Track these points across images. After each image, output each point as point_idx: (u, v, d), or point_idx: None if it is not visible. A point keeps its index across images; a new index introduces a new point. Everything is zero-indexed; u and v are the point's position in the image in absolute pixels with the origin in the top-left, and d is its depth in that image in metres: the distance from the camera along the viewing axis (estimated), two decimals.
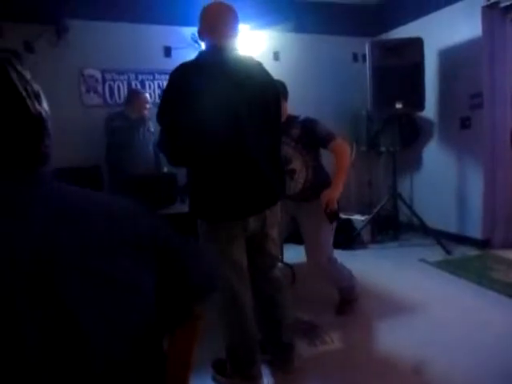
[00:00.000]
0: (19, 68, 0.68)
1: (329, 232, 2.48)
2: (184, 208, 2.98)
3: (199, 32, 1.74)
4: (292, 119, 2.38)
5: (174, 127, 1.62)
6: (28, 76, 0.69)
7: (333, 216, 2.36)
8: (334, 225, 2.48)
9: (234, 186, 1.68)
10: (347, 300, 2.68)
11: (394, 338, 2.32)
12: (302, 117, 2.41)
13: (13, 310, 0.56)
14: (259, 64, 1.79)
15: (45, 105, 0.71)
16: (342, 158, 2.35)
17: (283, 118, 2.09)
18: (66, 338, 0.59)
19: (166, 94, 1.67)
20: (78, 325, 0.60)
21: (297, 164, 2.39)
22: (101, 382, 0.63)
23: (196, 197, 1.76)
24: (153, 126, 3.53)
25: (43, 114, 0.69)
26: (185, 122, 1.60)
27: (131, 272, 0.69)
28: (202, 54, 1.73)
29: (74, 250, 0.63)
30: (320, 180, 2.43)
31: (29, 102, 0.66)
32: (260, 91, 1.71)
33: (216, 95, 1.58)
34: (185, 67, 1.64)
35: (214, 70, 1.63)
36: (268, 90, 1.76)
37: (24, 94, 0.66)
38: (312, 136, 2.36)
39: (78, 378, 0.60)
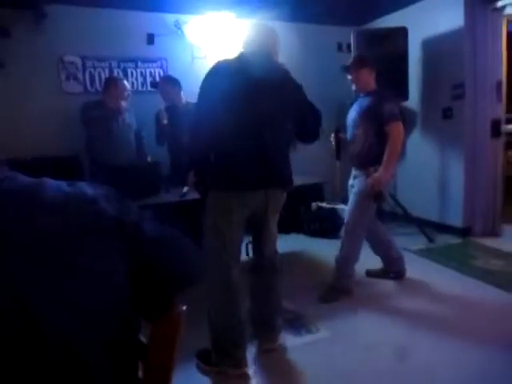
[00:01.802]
0: None
1: (364, 204, 2.67)
2: (169, 197, 2.96)
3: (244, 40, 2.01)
4: (371, 93, 2.67)
5: (210, 116, 1.84)
6: None
7: (377, 197, 2.61)
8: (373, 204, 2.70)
9: (238, 160, 1.86)
10: (337, 288, 2.69)
11: (379, 326, 2.37)
12: (379, 91, 2.67)
13: None
14: (287, 72, 2.03)
15: None
16: (394, 142, 2.56)
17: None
18: (15, 323, 0.58)
19: (207, 88, 1.87)
20: (29, 309, 0.58)
21: (359, 131, 2.67)
22: (63, 374, 0.61)
23: (210, 172, 1.94)
24: (129, 117, 3.46)
25: None
26: (221, 112, 1.82)
27: (94, 258, 0.67)
28: (241, 57, 1.95)
29: (24, 235, 0.61)
30: (370, 154, 2.64)
31: None
32: (284, 95, 1.94)
33: (246, 92, 1.83)
34: (224, 65, 1.88)
35: (249, 71, 1.86)
36: (290, 94, 1.99)
37: None
38: (377, 110, 2.58)
39: (33, 367, 0.59)
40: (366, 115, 2.63)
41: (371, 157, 2.64)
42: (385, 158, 2.57)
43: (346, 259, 2.70)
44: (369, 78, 2.71)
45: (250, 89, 1.83)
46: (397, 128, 2.57)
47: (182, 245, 0.88)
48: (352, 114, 2.77)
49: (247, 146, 1.86)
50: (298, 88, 2.03)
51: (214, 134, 1.85)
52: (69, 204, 0.68)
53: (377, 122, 2.59)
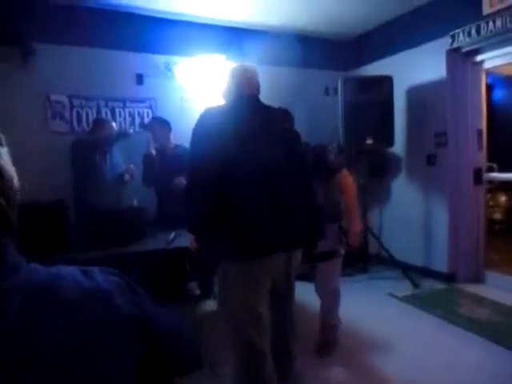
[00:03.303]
0: None
1: (340, 262, 2.63)
2: (156, 244, 2.88)
3: (226, 87, 1.85)
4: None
5: (210, 168, 1.60)
6: None
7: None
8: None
9: (264, 221, 1.62)
10: (329, 341, 2.66)
11: (369, 379, 2.34)
12: (313, 144, 2.56)
13: None
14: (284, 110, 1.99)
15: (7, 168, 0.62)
16: (348, 192, 2.53)
17: None
18: None
19: (201, 136, 1.65)
20: None
21: None
22: None
23: (221, 235, 1.66)
24: (116, 158, 3.43)
25: (11, 194, 0.62)
26: (222, 162, 1.59)
27: (106, 361, 0.63)
28: (232, 102, 1.78)
29: (54, 353, 0.57)
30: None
31: None
32: (285, 136, 1.81)
33: (248, 137, 1.64)
34: (217, 112, 1.70)
35: (245, 114, 1.71)
36: (290, 135, 1.87)
37: None
38: (323, 164, 2.47)
39: None
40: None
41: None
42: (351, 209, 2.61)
43: (334, 318, 2.67)
44: None
45: (257, 135, 1.67)
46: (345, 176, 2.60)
47: (186, 331, 0.87)
48: None
49: (266, 201, 1.62)
50: (298, 138, 1.90)
51: (222, 189, 1.58)
52: (85, 304, 0.65)
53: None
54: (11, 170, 0.63)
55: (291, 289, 1.85)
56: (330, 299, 2.64)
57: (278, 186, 1.66)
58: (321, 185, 2.47)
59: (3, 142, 0.64)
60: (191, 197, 1.66)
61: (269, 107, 1.83)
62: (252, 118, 1.71)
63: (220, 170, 1.57)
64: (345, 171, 2.53)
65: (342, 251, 2.62)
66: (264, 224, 1.61)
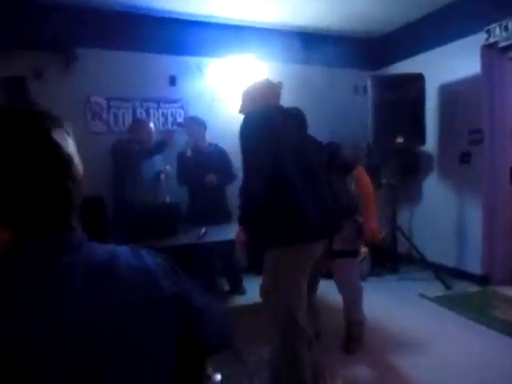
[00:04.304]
0: (59, 135, 0.70)
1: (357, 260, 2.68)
2: (187, 239, 2.98)
3: (253, 98, 2.00)
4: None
5: (267, 161, 1.77)
6: (66, 141, 0.71)
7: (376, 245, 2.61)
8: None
9: (312, 209, 1.80)
10: (355, 337, 2.66)
11: (397, 379, 2.32)
12: (326, 142, 2.55)
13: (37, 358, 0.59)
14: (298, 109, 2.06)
15: (78, 168, 0.72)
16: (365, 187, 2.53)
17: None
18: None
19: (255, 135, 1.80)
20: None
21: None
22: None
23: (275, 223, 1.80)
24: (155, 157, 3.56)
25: (77, 178, 0.71)
26: (275, 156, 1.77)
27: (151, 335, 0.71)
28: (264, 109, 1.92)
29: (107, 321, 0.66)
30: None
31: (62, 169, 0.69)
32: (306, 132, 2.01)
33: (286, 136, 1.83)
34: (258, 116, 1.86)
35: (278, 117, 1.88)
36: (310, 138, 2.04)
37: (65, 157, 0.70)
38: (338, 159, 2.51)
39: None
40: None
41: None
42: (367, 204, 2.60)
43: (359, 313, 2.67)
44: None
45: (296, 138, 1.88)
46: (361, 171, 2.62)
47: (220, 312, 0.94)
48: None
49: (310, 190, 1.83)
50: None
51: (277, 180, 1.77)
52: (136, 281, 0.72)
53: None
54: (77, 157, 0.73)
55: (320, 272, 2.05)
56: (352, 297, 2.65)
57: (315, 177, 1.88)
58: (336, 179, 2.49)
59: (70, 133, 0.74)
60: (250, 188, 1.81)
61: (288, 109, 2.00)
62: (284, 121, 1.88)
63: (275, 163, 1.76)
64: (361, 167, 2.56)
65: (361, 248, 2.62)
66: (312, 212, 1.80)
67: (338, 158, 2.51)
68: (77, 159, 0.72)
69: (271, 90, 2.01)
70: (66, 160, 0.70)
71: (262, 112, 1.88)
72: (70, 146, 0.72)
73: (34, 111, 0.72)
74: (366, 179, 2.56)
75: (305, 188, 1.81)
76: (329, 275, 2.68)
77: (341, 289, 2.67)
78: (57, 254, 0.67)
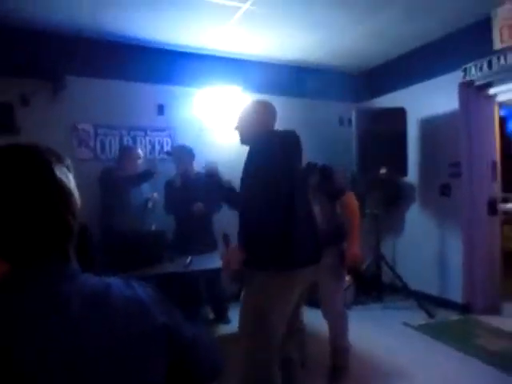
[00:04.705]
0: (61, 171, 0.74)
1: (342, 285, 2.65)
2: (172, 267, 2.96)
3: (251, 122, 2.02)
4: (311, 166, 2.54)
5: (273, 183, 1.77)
6: (67, 176, 0.75)
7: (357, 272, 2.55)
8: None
9: (305, 234, 1.80)
10: (341, 366, 2.65)
11: None
12: (320, 163, 2.57)
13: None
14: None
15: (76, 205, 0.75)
16: (353, 213, 2.53)
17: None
18: None
19: (261, 160, 1.81)
20: None
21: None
22: None
23: (265, 245, 1.77)
24: (143, 185, 3.57)
25: (76, 211, 0.75)
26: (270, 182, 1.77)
27: (145, 368, 0.73)
28: (265, 134, 1.96)
29: (99, 351, 0.68)
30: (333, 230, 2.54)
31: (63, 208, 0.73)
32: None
33: (286, 161, 1.84)
34: (260, 141, 1.88)
35: (277, 141, 1.89)
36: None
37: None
38: (330, 184, 2.51)
39: None
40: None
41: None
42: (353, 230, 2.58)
43: (344, 341, 2.67)
44: None
45: (290, 158, 1.89)
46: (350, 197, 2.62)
47: (209, 342, 0.96)
48: None
49: (304, 214, 1.84)
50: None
51: (278, 202, 1.76)
52: (130, 311, 0.75)
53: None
54: (76, 192, 0.77)
55: (305, 299, 2.00)
56: (338, 322, 2.65)
57: (308, 202, 1.91)
58: (325, 205, 2.51)
59: (71, 168, 0.77)
60: (254, 208, 1.77)
61: (287, 134, 1.99)
62: (287, 147, 1.90)
63: (278, 185, 1.77)
64: (350, 192, 2.58)
65: (344, 275, 2.63)
66: (304, 238, 1.79)
67: (332, 183, 2.52)
68: (76, 194, 0.76)
69: (268, 111, 2.06)
70: (67, 194, 0.74)
71: (267, 139, 1.89)
72: (71, 181, 0.76)
73: (38, 147, 0.75)
74: (355, 205, 2.57)
75: (301, 212, 1.82)
76: (316, 304, 2.68)
77: (326, 315, 2.67)
78: (57, 283, 0.70)
